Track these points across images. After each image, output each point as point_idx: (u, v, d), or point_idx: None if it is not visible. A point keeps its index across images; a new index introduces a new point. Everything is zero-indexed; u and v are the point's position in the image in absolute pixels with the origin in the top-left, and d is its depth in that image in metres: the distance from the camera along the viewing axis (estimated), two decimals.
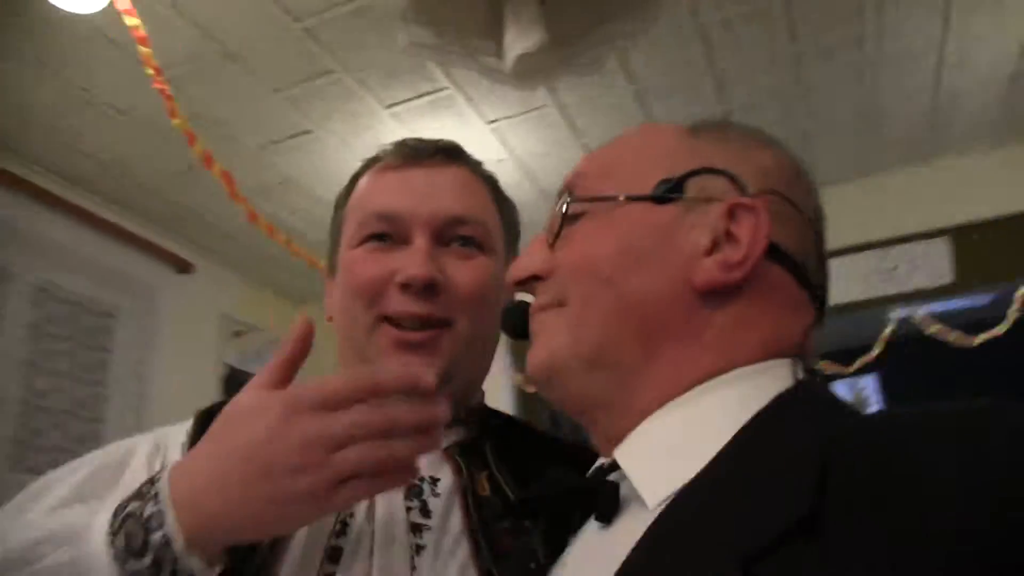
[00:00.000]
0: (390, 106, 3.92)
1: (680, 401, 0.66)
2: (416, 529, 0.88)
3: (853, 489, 0.48)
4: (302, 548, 0.86)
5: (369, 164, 1.06)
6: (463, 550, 0.88)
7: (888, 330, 4.94)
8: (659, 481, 0.62)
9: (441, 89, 3.83)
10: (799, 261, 0.73)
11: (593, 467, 0.74)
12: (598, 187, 0.77)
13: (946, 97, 4.42)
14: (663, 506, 0.60)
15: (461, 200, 0.98)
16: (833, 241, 0.82)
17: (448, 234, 0.98)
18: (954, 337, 4.60)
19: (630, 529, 0.61)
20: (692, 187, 0.73)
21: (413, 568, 0.84)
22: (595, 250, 0.73)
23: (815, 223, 0.76)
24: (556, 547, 0.79)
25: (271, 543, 0.85)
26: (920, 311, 4.93)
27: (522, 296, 0.82)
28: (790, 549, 0.48)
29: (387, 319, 0.95)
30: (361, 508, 0.89)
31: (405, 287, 0.93)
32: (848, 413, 0.62)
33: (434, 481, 0.92)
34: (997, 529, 0.43)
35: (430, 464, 0.95)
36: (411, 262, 0.93)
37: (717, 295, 0.69)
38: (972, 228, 4.58)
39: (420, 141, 1.03)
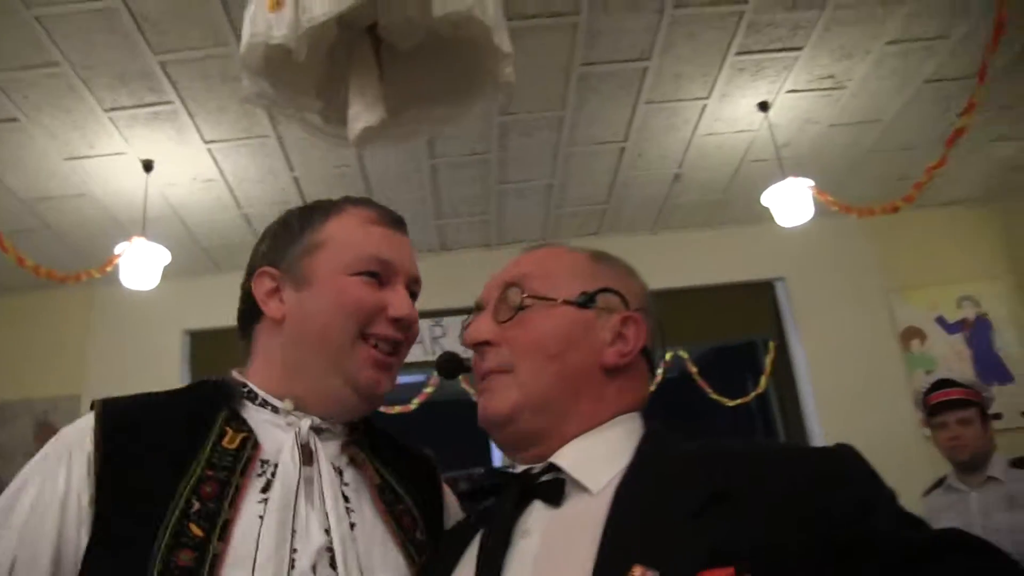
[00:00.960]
0: (110, 109, 3.79)
1: (591, 433, 1.03)
2: (347, 511, 1.10)
3: (736, 482, 0.85)
4: (274, 534, 1.01)
5: (335, 208, 1.24)
6: (380, 526, 1.12)
7: (427, 390, 5.55)
8: (595, 476, 0.97)
9: (167, 102, 3.78)
10: (652, 352, 1.12)
11: (521, 470, 1.05)
12: (538, 288, 1.09)
13: (620, 186, 5.10)
14: (606, 492, 0.93)
15: (416, 266, 1.24)
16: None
17: (409, 288, 1.21)
18: None
19: (585, 507, 0.93)
20: (600, 299, 1.08)
21: (354, 540, 1.07)
22: (545, 336, 1.06)
23: (660, 329, 1.14)
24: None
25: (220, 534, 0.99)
26: None
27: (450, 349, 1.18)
28: (715, 508, 0.83)
29: (364, 338, 1.15)
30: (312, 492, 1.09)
31: (397, 321, 1.16)
32: (683, 443, 1.01)
33: (341, 473, 1.14)
34: (815, 498, 0.81)
35: (334, 458, 1.14)
36: (404, 304, 1.17)
37: (612, 371, 1.06)
38: None
39: (388, 210, 1.26)
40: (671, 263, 5.19)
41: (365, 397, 1.15)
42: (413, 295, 1.22)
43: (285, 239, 1.21)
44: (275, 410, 1.14)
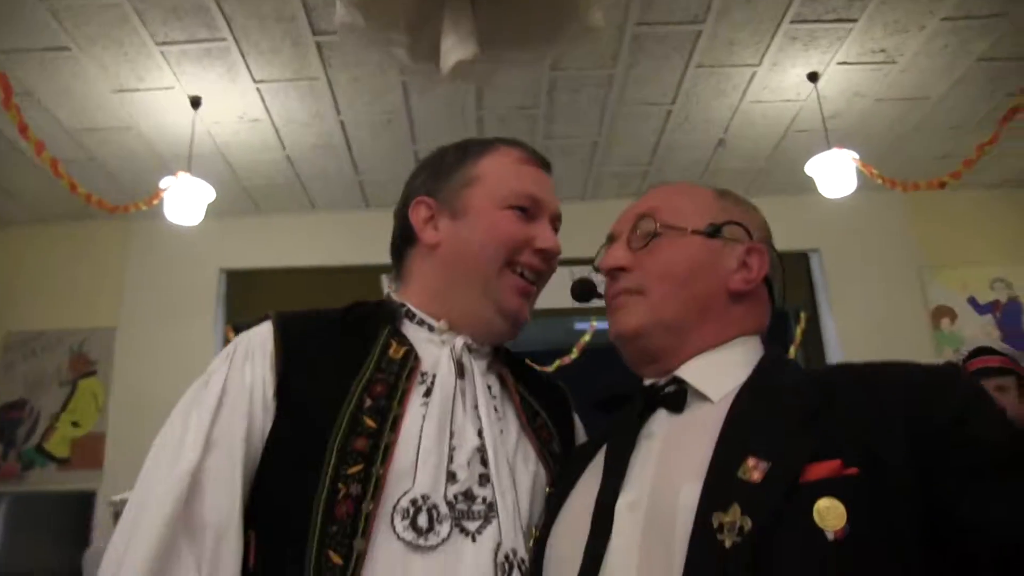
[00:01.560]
0: (162, 43, 3.82)
1: (714, 350, 1.12)
2: (496, 418, 1.21)
3: (844, 392, 0.93)
4: (435, 432, 1.12)
5: (490, 146, 1.32)
6: (523, 435, 1.24)
7: (585, 338, 5.57)
8: (716, 387, 1.06)
9: (219, 39, 3.81)
10: (772, 284, 1.20)
11: (647, 384, 1.15)
12: (669, 219, 1.16)
13: (664, 149, 5.11)
14: (725, 401, 1.02)
15: (557, 204, 1.33)
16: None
17: (553, 223, 1.31)
18: None
19: (704, 414, 1.02)
20: (726, 230, 1.16)
21: (503, 444, 1.18)
22: (676, 263, 1.14)
23: (780, 261, 1.22)
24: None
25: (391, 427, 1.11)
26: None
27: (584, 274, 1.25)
28: (819, 416, 0.92)
29: (511, 266, 1.24)
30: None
31: (543, 252, 1.26)
32: (798, 364, 1.09)
33: (489, 387, 1.25)
34: (916, 407, 0.88)
35: (483, 374, 1.25)
36: (550, 237, 1.27)
37: (737, 296, 1.14)
38: None
39: (536, 151, 1.34)
40: None
41: (510, 321, 1.25)
42: (555, 230, 1.30)
43: (442, 171, 1.30)
44: (431, 329, 1.24)
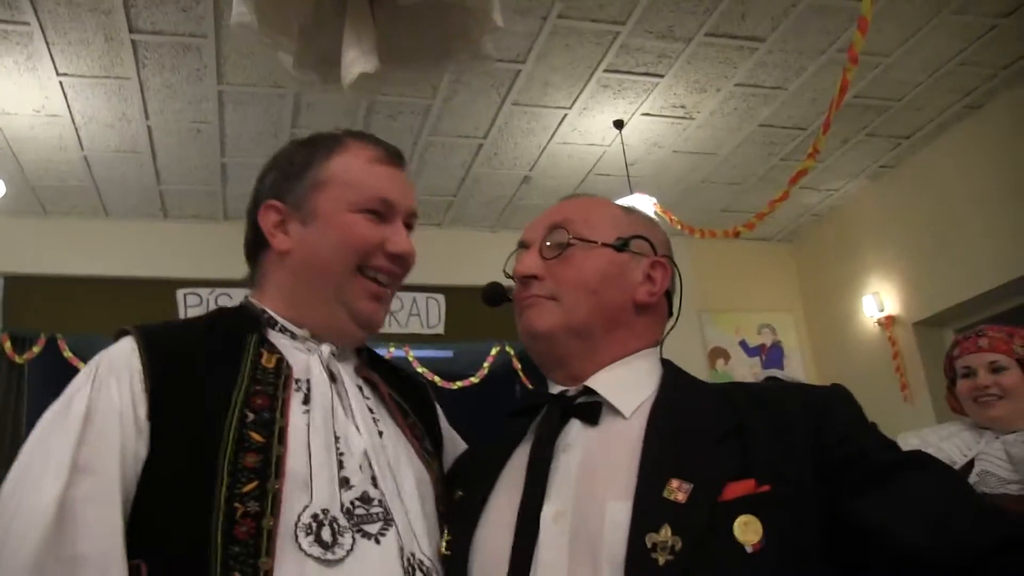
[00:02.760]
0: None
1: (621, 363, 1.17)
2: (374, 421, 1.21)
3: (751, 415, 1.03)
4: (322, 440, 1.11)
5: (338, 144, 1.29)
6: (401, 436, 1.24)
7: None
8: (627, 402, 1.11)
9: (22, 23, 3.53)
10: (671, 295, 1.27)
11: (557, 392, 1.19)
12: (581, 231, 1.21)
13: (470, 181, 5.24)
14: (637, 417, 1.08)
15: (413, 200, 1.31)
16: None
17: (406, 222, 1.29)
18: (438, 380, 5.36)
19: (620, 429, 1.08)
20: (633, 244, 1.22)
21: (383, 446, 1.18)
22: (587, 273, 1.19)
23: (679, 277, 1.30)
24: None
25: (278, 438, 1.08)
26: (411, 352, 5.62)
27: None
28: (731, 438, 1.01)
29: (363, 270, 1.22)
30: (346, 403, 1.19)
31: (396, 256, 1.24)
32: (698, 379, 1.19)
33: (361, 390, 1.25)
34: (814, 427, 1.00)
35: (353, 378, 1.24)
36: (403, 240, 1.25)
37: (641, 308, 1.20)
38: (461, 290, 5.42)
39: (389, 145, 1.32)
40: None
41: (363, 326, 1.24)
42: (408, 227, 1.29)
43: (291, 173, 1.27)
44: (293, 336, 1.22)
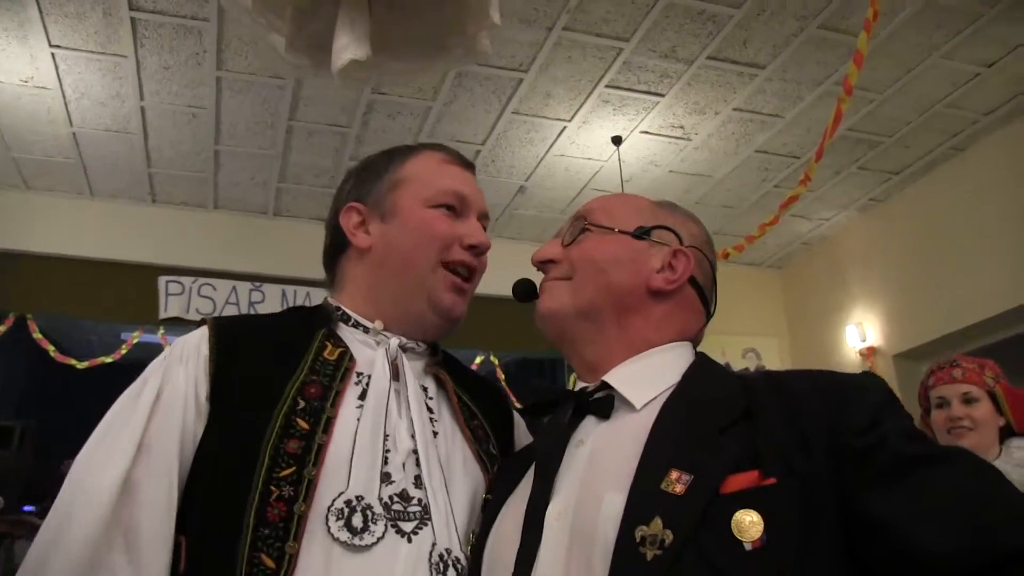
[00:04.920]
0: None
1: (643, 355, 1.14)
2: (431, 421, 1.22)
3: (763, 401, 0.97)
4: (369, 433, 1.13)
5: (414, 150, 1.36)
6: (459, 437, 1.24)
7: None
8: (640, 394, 1.07)
9: None
10: (704, 289, 1.21)
11: (577, 389, 1.16)
12: (602, 220, 1.22)
13: None
14: (650, 409, 1.04)
15: (485, 202, 1.37)
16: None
17: (480, 221, 1.34)
18: None
19: (631, 421, 1.04)
20: (655, 234, 1.20)
21: (436, 447, 1.19)
22: (597, 253, 1.18)
23: (714, 271, 1.25)
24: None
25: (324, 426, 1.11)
26: None
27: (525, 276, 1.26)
28: (740, 425, 0.95)
29: (445, 264, 1.26)
30: (400, 396, 1.20)
31: (473, 248, 1.28)
32: (727, 369, 1.14)
33: (425, 389, 1.26)
34: (831, 414, 0.92)
35: (419, 376, 1.26)
36: (479, 233, 1.29)
37: (658, 295, 1.16)
38: None
39: (460, 153, 1.38)
40: (497, 271, 5.33)
41: (445, 318, 1.27)
42: (484, 229, 1.33)
43: (370, 177, 1.33)
44: (366, 330, 1.25)
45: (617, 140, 4.64)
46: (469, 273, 1.29)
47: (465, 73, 4.09)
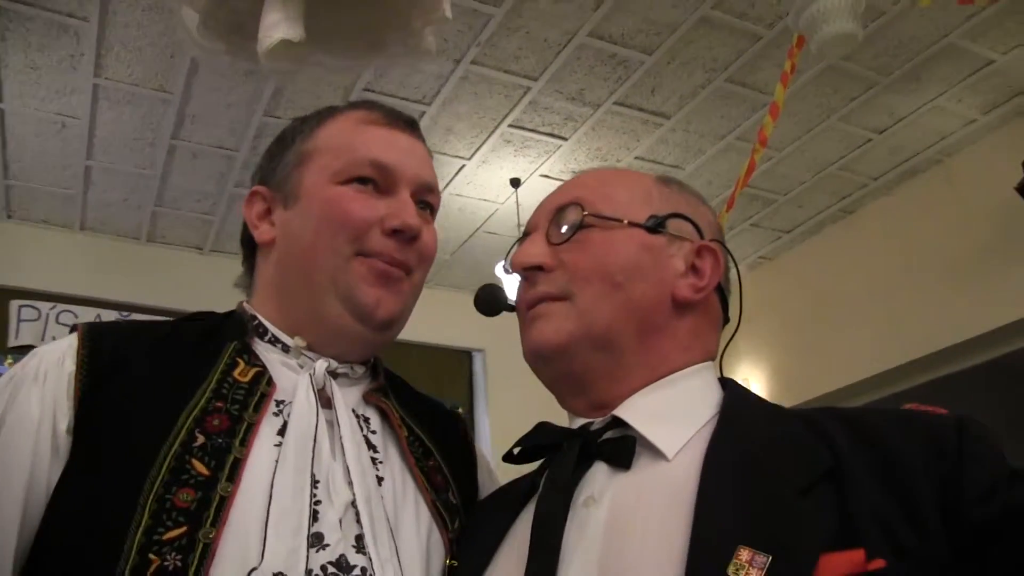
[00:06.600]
0: None
1: (662, 383, 0.90)
2: (373, 462, 0.95)
3: (848, 454, 0.75)
4: (291, 480, 0.86)
5: (331, 113, 1.09)
6: (410, 484, 0.97)
7: None
8: (671, 438, 0.83)
9: None
10: (727, 296, 1.00)
11: (580, 424, 0.91)
12: (600, 208, 0.94)
13: None
14: (684, 457, 0.81)
15: (430, 171, 1.08)
16: None
17: (418, 196, 1.05)
18: None
19: (662, 475, 0.80)
20: (670, 225, 0.95)
21: (382, 497, 0.92)
22: (609, 260, 0.91)
23: (727, 268, 0.99)
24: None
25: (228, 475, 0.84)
26: None
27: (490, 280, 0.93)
28: (823, 486, 0.73)
29: (362, 255, 0.99)
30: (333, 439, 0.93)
31: (397, 232, 0.99)
32: (776, 405, 0.92)
33: (367, 421, 0.99)
34: (942, 474, 0.71)
35: (357, 405, 1.00)
36: (405, 212, 1.00)
37: (683, 307, 0.93)
38: None
39: (393, 109, 1.10)
40: None
41: (369, 322, 0.99)
42: (426, 204, 1.07)
43: (278, 152, 1.07)
44: (285, 349, 0.99)
45: (515, 182, 4.55)
46: (397, 264, 1.01)
47: (366, 102, 3.91)
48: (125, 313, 4.73)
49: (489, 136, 4.19)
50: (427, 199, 1.07)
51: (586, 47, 3.60)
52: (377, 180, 1.02)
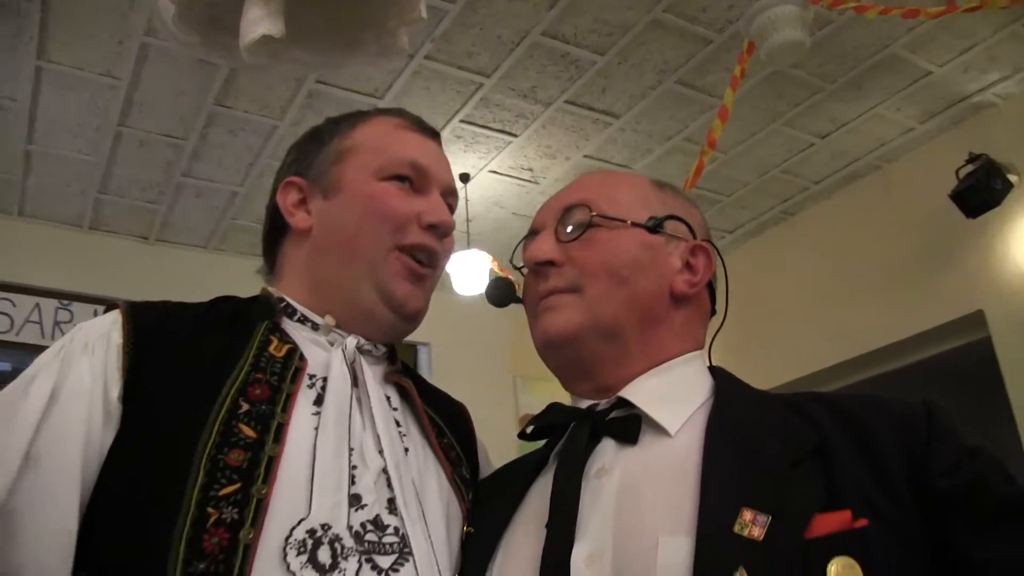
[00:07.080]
0: None
1: (661, 369, 1.01)
2: (399, 435, 1.03)
3: (832, 432, 0.85)
4: (332, 446, 0.93)
5: (364, 116, 1.20)
6: (431, 457, 1.06)
7: None
8: (672, 416, 0.94)
9: None
10: (715, 291, 1.12)
11: (587, 406, 1.01)
12: (605, 209, 1.04)
13: None
14: (686, 434, 0.91)
15: (452, 176, 1.19)
16: None
17: (444, 198, 1.15)
18: None
19: (667, 449, 0.91)
20: (668, 226, 1.06)
21: (408, 467, 1.00)
22: (615, 258, 1.02)
23: (722, 265, 1.13)
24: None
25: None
26: None
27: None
28: (815, 459, 0.83)
29: (401, 248, 1.08)
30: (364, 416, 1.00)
31: (433, 227, 1.10)
32: (761, 391, 1.02)
33: (388, 399, 1.06)
34: (909, 449, 0.82)
35: (382, 385, 1.07)
36: (441, 210, 1.11)
37: (679, 301, 1.04)
38: None
39: (421, 118, 1.23)
40: None
41: (399, 313, 1.09)
42: (450, 208, 1.16)
43: (313, 147, 1.16)
44: (315, 327, 1.06)
45: (465, 177, 4.57)
46: (430, 259, 1.12)
47: (317, 94, 3.90)
48: (65, 302, 4.65)
49: (440, 131, 4.20)
50: (450, 202, 1.17)
51: (539, 45, 3.64)
52: (413, 179, 1.12)
